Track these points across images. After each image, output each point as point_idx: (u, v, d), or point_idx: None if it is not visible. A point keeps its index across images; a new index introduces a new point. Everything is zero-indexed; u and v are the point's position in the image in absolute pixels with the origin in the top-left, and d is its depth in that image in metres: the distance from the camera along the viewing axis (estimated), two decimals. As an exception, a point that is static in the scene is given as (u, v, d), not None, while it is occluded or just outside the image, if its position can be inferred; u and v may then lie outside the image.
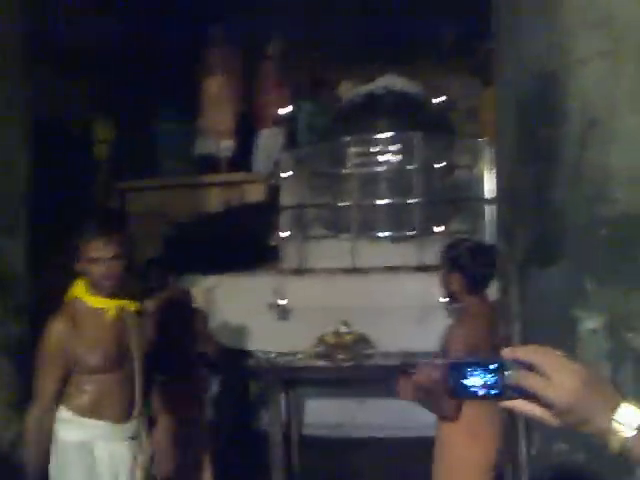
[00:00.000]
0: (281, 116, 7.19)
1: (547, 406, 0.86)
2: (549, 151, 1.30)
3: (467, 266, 2.58)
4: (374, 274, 5.13)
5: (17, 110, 2.91)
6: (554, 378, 0.84)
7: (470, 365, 0.88)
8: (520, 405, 0.87)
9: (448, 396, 0.91)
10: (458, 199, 5.75)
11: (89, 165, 6.94)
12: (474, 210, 5.62)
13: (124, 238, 2.31)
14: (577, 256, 1.29)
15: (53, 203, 4.47)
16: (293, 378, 4.42)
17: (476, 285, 2.61)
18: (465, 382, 0.87)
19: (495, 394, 0.87)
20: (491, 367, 0.87)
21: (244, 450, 4.56)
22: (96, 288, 2.28)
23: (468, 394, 0.87)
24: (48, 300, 2.42)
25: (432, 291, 4.34)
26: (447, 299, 2.86)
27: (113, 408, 2.28)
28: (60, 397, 2.26)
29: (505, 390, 0.87)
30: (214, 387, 4.95)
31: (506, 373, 0.87)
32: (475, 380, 0.87)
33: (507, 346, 1.61)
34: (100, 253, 2.22)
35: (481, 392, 0.87)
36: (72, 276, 2.34)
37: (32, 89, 2.95)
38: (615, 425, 0.83)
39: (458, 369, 0.88)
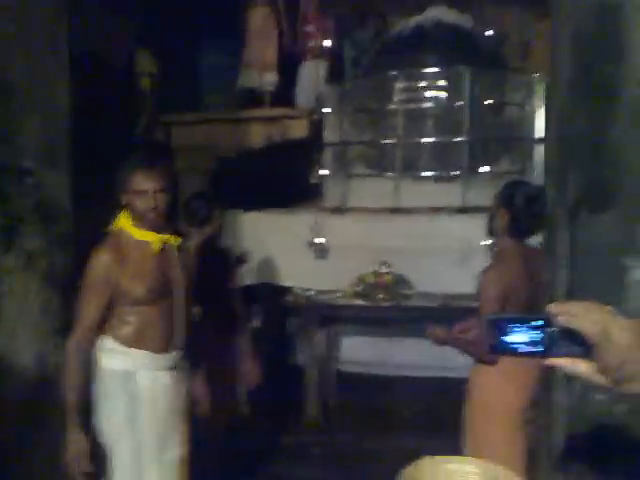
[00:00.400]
0: (325, 48, 7.00)
1: (595, 363, 0.82)
2: (607, 89, 1.20)
3: (517, 205, 2.53)
4: (416, 214, 5.05)
5: (58, 41, 2.88)
6: (604, 334, 0.80)
7: (513, 321, 0.84)
8: (566, 363, 0.84)
9: (489, 352, 0.88)
10: (508, 138, 5.55)
11: (133, 98, 6.93)
12: (524, 150, 5.43)
13: (169, 171, 2.34)
14: (632, 203, 1.21)
15: (97, 135, 4.50)
16: (331, 315, 4.47)
17: (520, 228, 2.57)
18: (507, 339, 0.83)
19: (539, 352, 0.83)
20: (534, 323, 0.83)
21: (281, 384, 4.68)
22: (140, 220, 2.30)
23: (510, 350, 0.84)
24: (91, 231, 2.46)
25: (474, 233, 4.27)
26: (490, 239, 2.81)
27: (155, 339, 2.32)
28: (101, 326, 2.32)
29: (550, 347, 0.83)
30: (254, 322, 5.05)
31: (551, 329, 0.82)
32: (518, 337, 0.83)
33: (549, 293, 1.55)
34: (145, 185, 2.24)
35: (524, 349, 0.83)
36: (115, 208, 2.36)
37: (72, 21, 2.91)
38: None
39: (500, 325, 0.84)
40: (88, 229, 2.70)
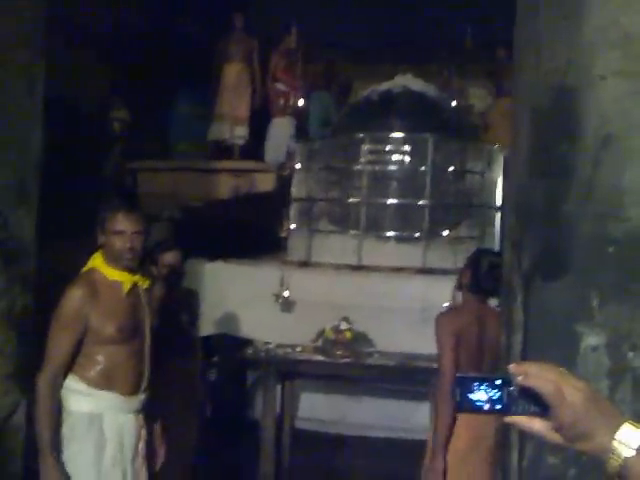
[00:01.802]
0: (294, 107, 7.20)
1: (549, 422, 0.86)
2: (562, 166, 1.30)
3: (480, 268, 2.80)
4: (378, 273, 5.13)
5: (34, 84, 2.92)
6: (558, 393, 0.85)
7: (476, 380, 0.89)
8: (522, 421, 0.89)
9: (454, 410, 0.93)
10: (468, 204, 5.73)
11: (103, 143, 6.97)
12: (483, 216, 5.61)
13: (144, 216, 2.43)
14: (584, 272, 1.29)
15: (65, 177, 4.49)
16: (290, 370, 4.43)
17: (480, 287, 2.82)
18: (471, 396, 0.88)
19: (499, 409, 0.88)
20: (496, 382, 0.88)
21: (236, 437, 4.59)
22: (115, 261, 2.36)
23: (473, 408, 0.89)
24: (53, 273, 2.46)
25: (435, 294, 4.36)
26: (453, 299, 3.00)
27: (123, 380, 2.34)
28: (71, 366, 2.31)
29: (509, 406, 0.88)
30: (212, 373, 4.98)
31: (510, 388, 0.88)
32: (480, 394, 0.88)
33: (505, 355, 1.61)
34: (124, 226, 2.33)
35: (486, 407, 0.88)
36: (80, 249, 2.39)
37: (49, 67, 2.96)
38: (615, 444, 0.83)
39: (464, 383, 0.89)
40: (51, 270, 2.68)
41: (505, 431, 1.44)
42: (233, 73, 7.36)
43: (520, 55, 1.43)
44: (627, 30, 1.23)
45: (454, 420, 2.60)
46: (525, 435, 1.40)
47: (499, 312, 1.95)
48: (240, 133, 7.34)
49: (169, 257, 3.29)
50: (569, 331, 1.30)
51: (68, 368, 2.31)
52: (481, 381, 0.88)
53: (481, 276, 2.79)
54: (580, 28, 1.26)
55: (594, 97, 1.27)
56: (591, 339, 1.29)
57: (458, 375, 0.94)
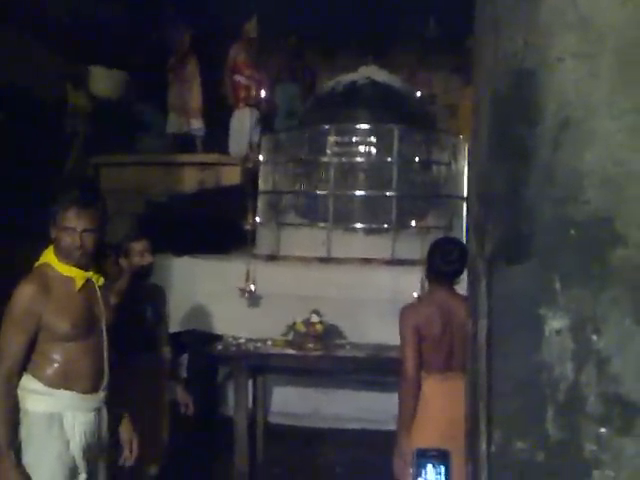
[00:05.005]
0: (256, 98, 7.15)
1: None
2: (522, 150, 1.30)
3: (432, 255, 2.91)
4: (347, 265, 5.13)
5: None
6: None
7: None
8: None
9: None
10: (435, 195, 5.77)
11: (62, 135, 6.81)
12: (451, 206, 5.65)
13: (99, 212, 2.35)
14: (546, 255, 1.29)
15: (24, 172, 4.37)
16: (261, 365, 4.41)
17: (437, 275, 2.88)
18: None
19: None
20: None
21: (209, 434, 4.54)
22: (65, 256, 2.31)
23: None
24: (5, 267, 2.39)
25: (404, 285, 4.38)
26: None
27: (82, 379, 2.29)
28: (27, 365, 2.26)
29: None
30: (182, 369, 4.92)
31: None
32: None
33: (472, 341, 1.61)
34: (73, 223, 2.27)
35: None
36: (33, 243, 2.34)
37: (3, 58, 2.86)
38: None
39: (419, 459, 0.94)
40: (2, 266, 2.60)
41: (473, 417, 1.44)
42: (184, 66, 7.29)
43: (479, 39, 1.42)
44: (584, 11, 1.23)
45: (415, 409, 2.67)
46: (493, 421, 1.40)
47: (465, 298, 1.96)
48: (195, 125, 7.27)
49: (139, 246, 3.28)
50: (533, 315, 1.30)
51: (23, 367, 2.26)
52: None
53: (437, 262, 2.88)
54: (537, 9, 1.26)
55: (552, 79, 1.26)
56: (555, 323, 1.29)
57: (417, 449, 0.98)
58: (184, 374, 4.95)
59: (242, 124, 7.11)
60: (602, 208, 1.22)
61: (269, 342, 4.39)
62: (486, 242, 1.35)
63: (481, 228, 1.39)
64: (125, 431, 2.54)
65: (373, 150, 5.69)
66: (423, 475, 0.91)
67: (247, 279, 4.69)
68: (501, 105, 1.31)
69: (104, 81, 7.16)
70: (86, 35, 6.61)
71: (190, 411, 3.44)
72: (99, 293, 2.40)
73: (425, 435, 2.67)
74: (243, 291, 4.71)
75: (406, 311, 2.90)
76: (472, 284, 1.52)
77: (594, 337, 1.25)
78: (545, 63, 1.25)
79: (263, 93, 7.09)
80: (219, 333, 4.77)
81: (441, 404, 2.71)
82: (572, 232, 1.25)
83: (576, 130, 1.25)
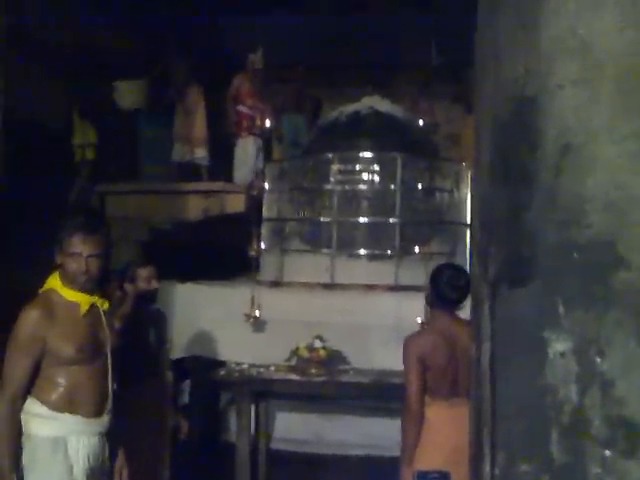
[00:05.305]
0: (261, 128, 7.22)
1: None
2: (524, 175, 1.32)
3: (436, 281, 2.88)
4: (351, 291, 5.13)
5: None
6: None
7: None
8: None
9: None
10: (438, 221, 5.80)
11: (69, 165, 6.88)
12: (454, 233, 5.67)
13: (104, 238, 2.38)
14: (549, 278, 1.30)
15: (30, 201, 4.42)
16: (264, 390, 4.39)
17: (442, 301, 2.86)
18: None
19: None
20: None
21: (211, 461, 4.50)
22: (70, 282, 2.33)
23: None
24: (10, 293, 2.41)
25: (407, 311, 4.38)
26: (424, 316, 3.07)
27: (86, 403, 2.30)
28: (31, 389, 2.26)
29: None
30: (185, 395, 4.90)
31: None
32: None
33: (476, 365, 1.62)
34: (79, 249, 2.30)
35: None
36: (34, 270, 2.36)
37: (10, 86, 2.92)
38: None
39: None
40: (7, 292, 2.62)
41: (477, 440, 1.43)
42: (190, 95, 7.39)
43: (480, 66, 1.46)
44: (584, 38, 1.26)
45: (418, 439, 2.66)
46: (497, 443, 1.40)
47: (469, 322, 1.97)
48: (200, 154, 7.35)
49: (145, 272, 3.31)
50: (537, 338, 1.31)
51: (28, 391, 2.26)
52: None
53: (440, 288, 2.87)
54: (538, 37, 1.29)
55: (553, 106, 1.29)
56: (558, 345, 1.30)
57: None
58: (186, 400, 4.93)
59: (246, 152, 7.18)
60: (604, 232, 1.24)
61: (272, 368, 4.37)
62: (489, 265, 1.37)
63: (484, 252, 1.41)
64: (118, 459, 2.52)
65: (376, 178, 5.74)
66: None
67: (252, 305, 4.69)
68: (502, 131, 1.34)
69: (129, 94, 7.28)
70: (94, 65, 6.72)
71: (184, 433, 3.47)
72: (104, 317, 2.42)
73: (428, 459, 2.65)
74: (248, 316, 4.71)
75: (410, 341, 2.86)
76: (475, 307, 1.53)
77: (598, 359, 1.25)
78: (545, 90, 1.28)
79: (268, 123, 7.17)
80: (223, 359, 4.76)
81: (446, 430, 2.69)
82: (575, 255, 1.26)
83: (577, 155, 1.27)
